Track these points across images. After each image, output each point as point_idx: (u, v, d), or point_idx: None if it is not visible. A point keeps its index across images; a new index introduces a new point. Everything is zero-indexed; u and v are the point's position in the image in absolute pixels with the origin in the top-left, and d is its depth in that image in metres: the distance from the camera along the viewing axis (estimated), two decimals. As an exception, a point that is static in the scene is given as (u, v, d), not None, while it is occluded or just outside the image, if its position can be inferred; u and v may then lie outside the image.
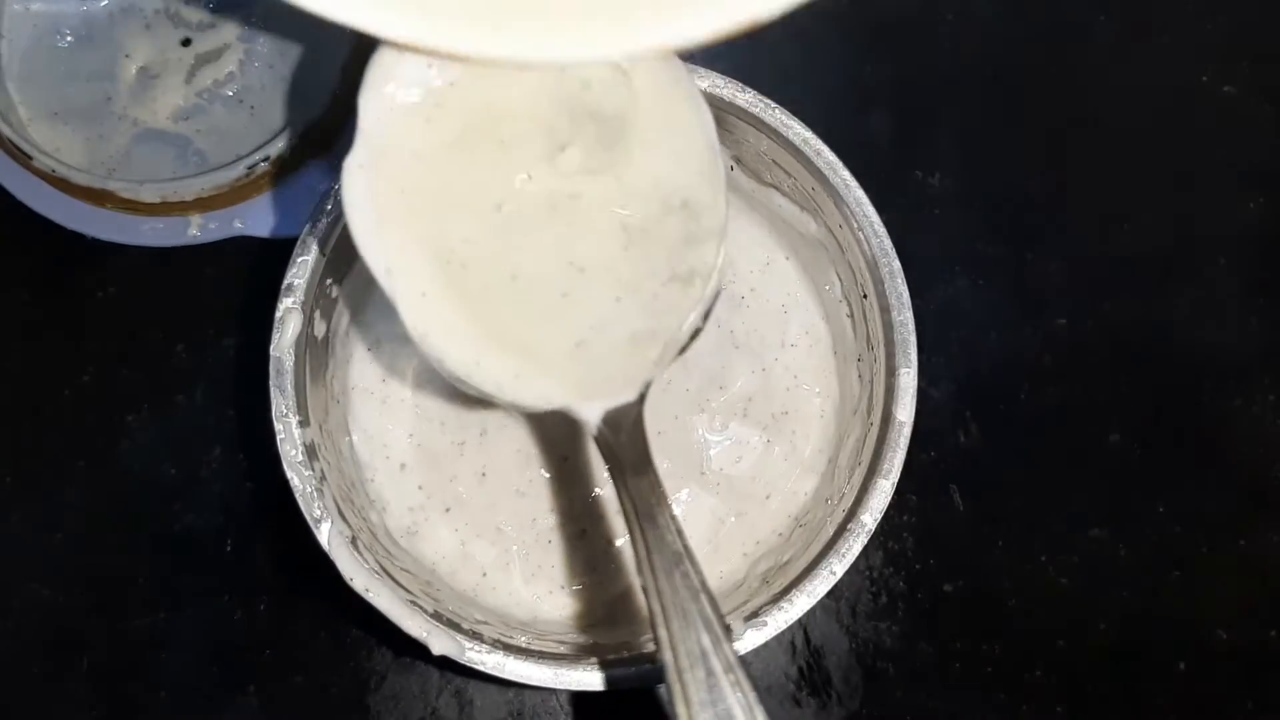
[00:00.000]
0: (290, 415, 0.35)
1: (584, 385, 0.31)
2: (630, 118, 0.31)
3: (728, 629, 0.28)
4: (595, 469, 0.40)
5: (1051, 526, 0.45)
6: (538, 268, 0.32)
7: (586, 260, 0.32)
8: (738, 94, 0.38)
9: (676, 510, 0.39)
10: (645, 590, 0.29)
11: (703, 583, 0.28)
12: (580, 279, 0.32)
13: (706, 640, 0.27)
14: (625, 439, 0.31)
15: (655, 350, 0.32)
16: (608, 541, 0.39)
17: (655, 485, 0.30)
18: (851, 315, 0.40)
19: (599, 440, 0.31)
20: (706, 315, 0.32)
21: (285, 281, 0.36)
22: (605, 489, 0.40)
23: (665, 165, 0.32)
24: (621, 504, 0.30)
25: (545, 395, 0.31)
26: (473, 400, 0.40)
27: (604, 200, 0.32)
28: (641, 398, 0.32)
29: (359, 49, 0.45)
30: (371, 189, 0.30)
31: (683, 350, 0.32)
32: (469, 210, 0.31)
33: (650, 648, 0.35)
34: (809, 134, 0.38)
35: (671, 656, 0.27)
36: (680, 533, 0.29)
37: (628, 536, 0.39)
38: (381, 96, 0.30)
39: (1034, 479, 0.45)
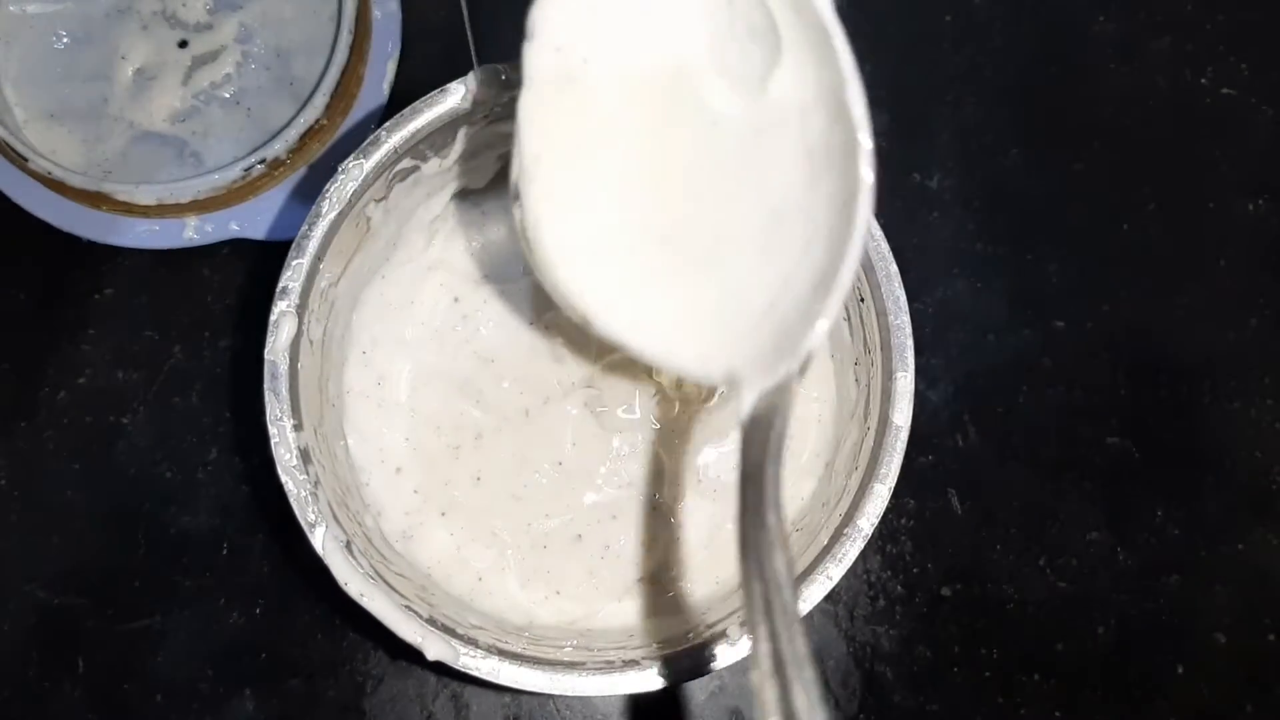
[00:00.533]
0: (285, 419, 0.34)
1: (768, 354, 0.27)
2: (779, 26, 0.28)
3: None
4: (591, 473, 0.40)
5: (1050, 530, 0.45)
6: (738, 223, 0.29)
7: (779, 201, 0.28)
8: (735, 96, 0.38)
9: (680, 518, 0.40)
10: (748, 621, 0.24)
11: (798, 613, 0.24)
12: (777, 226, 0.28)
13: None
14: (780, 421, 0.26)
15: (833, 299, 0.26)
16: (604, 546, 0.39)
17: (776, 491, 0.26)
18: (849, 318, 0.40)
19: (750, 423, 0.27)
20: None
21: (280, 284, 0.35)
22: (600, 494, 0.40)
23: (816, 64, 0.28)
24: (741, 515, 0.26)
25: (733, 373, 0.28)
26: (468, 404, 0.40)
27: (784, 125, 0.28)
28: (802, 368, 0.27)
29: (356, 53, 0.44)
30: (551, 182, 0.29)
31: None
32: (656, 180, 0.30)
33: (645, 652, 0.35)
34: (806, 136, 0.38)
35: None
36: (790, 562, 0.25)
37: (624, 541, 0.39)
38: (537, 108, 0.30)
39: (1032, 482, 0.45)
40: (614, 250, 0.31)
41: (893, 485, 0.35)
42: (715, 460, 0.40)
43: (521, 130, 0.30)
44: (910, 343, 0.37)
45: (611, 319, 0.30)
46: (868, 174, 0.26)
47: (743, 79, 0.29)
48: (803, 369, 0.27)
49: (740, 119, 0.30)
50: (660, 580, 0.39)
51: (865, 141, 0.26)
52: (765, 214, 0.29)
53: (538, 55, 0.30)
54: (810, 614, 0.34)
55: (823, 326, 0.27)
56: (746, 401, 0.27)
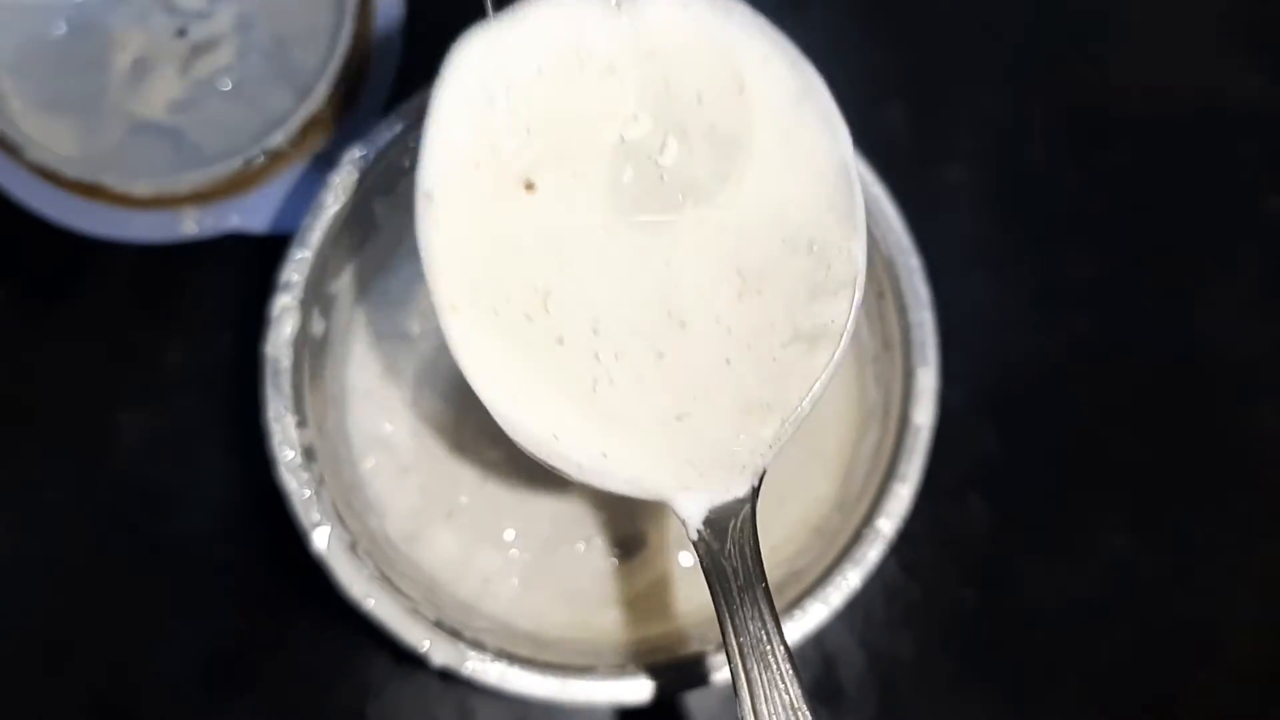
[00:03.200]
0: (287, 416, 0.34)
1: (686, 470, 0.26)
2: (747, 137, 0.27)
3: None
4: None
5: (1071, 535, 0.44)
6: (627, 319, 0.27)
7: (690, 311, 0.27)
8: (751, 86, 0.37)
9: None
10: None
11: None
12: (681, 335, 0.27)
13: None
14: (733, 547, 0.26)
15: (772, 427, 0.26)
16: (613, 552, 0.39)
17: (768, 613, 0.25)
18: (867, 315, 0.40)
19: (699, 547, 0.26)
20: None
21: (282, 278, 0.35)
22: (607, 498, 0.39)
23: (789, 196, 0.27)
24: (723, 633, 0.25)
25: (638, 480, 0.26)
26: (472, 404, 0.39)
27: (714, 237, 0.27)
28: (755, 491, 0.26)
29: (359, 41, 0.44)
30: (441, 219, 0.26)
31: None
32: (547, 250, 0.27)
33: (656, 659, 0.34)
34: (825, 127, 0.37)
35: None
36: (798, 676, 0.25)
37: (631, 548, 0.38)
38: (450, 127, 0.26)
39: (1054, 486, 0.45)
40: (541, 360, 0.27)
41: (915, 486, 0.35)
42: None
43: (428, 152, 0.26)
44: (932, 338, 0.36)
45: (501, 410, 0.27)
46: (849, 318, 0.27)
47: (685, 170, 0.27)
48: (754, 490, 0.27)
49: (662, 211, 0.27)
50: (669, 586, 0.38)
51: (857, 296, 0.27)
52: (663, 317, 0.27)
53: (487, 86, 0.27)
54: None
55: (772, 455, 0.27)
56: (689, 521, 0.26)
